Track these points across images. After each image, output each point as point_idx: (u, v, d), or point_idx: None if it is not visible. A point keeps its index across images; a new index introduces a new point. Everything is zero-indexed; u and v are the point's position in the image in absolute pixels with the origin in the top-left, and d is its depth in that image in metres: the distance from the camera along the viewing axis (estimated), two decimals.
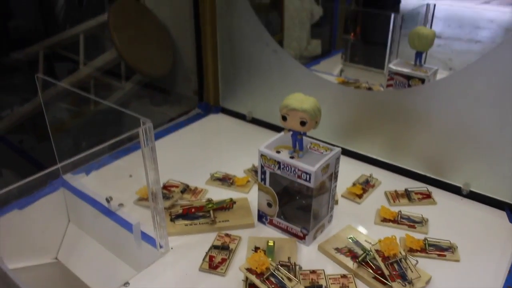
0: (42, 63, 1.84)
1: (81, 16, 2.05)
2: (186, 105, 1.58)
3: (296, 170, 0.79)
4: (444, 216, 0.95)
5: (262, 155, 0.83)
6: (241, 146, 1.23)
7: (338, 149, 0.83)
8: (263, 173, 0.85)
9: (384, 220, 0.93)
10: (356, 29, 1.98)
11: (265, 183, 0.86)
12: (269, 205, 0.88)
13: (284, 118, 0.78)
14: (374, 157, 1.12)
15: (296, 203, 0.87)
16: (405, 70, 1.18)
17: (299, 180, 0.79)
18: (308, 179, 0.78)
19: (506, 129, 0.90)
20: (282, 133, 0.85)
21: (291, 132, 0.81)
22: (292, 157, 0.80)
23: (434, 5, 1.42)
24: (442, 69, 1.27)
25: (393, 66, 1.21)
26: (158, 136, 1.25)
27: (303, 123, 0.76)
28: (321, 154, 0.81)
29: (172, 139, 1.28)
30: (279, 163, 0.81)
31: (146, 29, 1.65)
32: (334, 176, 0.85)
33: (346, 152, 1.14)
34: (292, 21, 1.80)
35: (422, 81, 1.16)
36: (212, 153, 1.21)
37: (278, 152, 0.82)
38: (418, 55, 1.20)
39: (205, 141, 1.27)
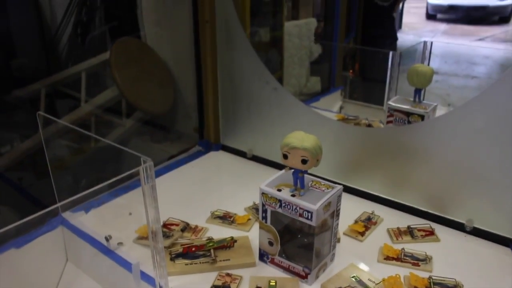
0: (44, 100, 1.85)
1: (83, 54, 2.09)
2: (187, 142, 1.58)
3: (298, 209, 0.78)
4: (448, 253, 0.93)
5: (263, 193, 0.82)
6: (241, 184, 1.22)
7: (339, 187, 0.83)
8: (264, 211, 0.84)
9: (387, 258, 0.91)
10: (354, 67, 2.01)
11: (266, 222, 0.85)
12: (271, 243, 0.86)
13: (285, 157, 0.78)
14: (376, 193, 1.11)
15: (297, 242, 0.86)
16: (405, 106, 1.19)
17: (300, 219, 0.79)
18: (309, 217, 0.77)
19: (507, 165, 0.90)
20: (283, 171, 0.85)
21: (292, 170, 0.80)
22: (293, 195, 0.80)
23: (431, 43, 1.44)
24: (441, 104, 1.28)
25: (393, 103, 1.22)
26: (158, 174, 1.24)
27: (304, 161, 0.76)
28: (322, 192, 0.81)
29: (172, 176, 1.27)
30: (280, 201, 0.80)
31: (147, 67, 1.67)
32: (335, 214, 0.85)
33: (348, 189, 1.13)
34: (291, 58, 1.83)
35: (422, 117, 1.17)
36: (213, 190, 1.20)
37: (279, 190, 0.82)
38: (417, 91, 1.22)
39: (205, 178, 1.27)
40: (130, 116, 1.75)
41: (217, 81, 1.32)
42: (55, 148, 1.67)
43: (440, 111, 1.37)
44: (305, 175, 0.81)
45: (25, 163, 1.78)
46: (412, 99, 1.23)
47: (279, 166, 1.12)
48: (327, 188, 0.82)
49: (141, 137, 1.82)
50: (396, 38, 1.97)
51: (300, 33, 1.88)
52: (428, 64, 1.42)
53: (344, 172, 1.15)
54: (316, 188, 0.82)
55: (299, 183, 0.81)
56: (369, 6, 1.90)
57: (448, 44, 2.12)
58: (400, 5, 1.96)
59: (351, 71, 2.04)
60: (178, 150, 1.48)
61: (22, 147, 1.77)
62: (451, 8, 2.19)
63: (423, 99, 1.23)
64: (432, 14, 2.18)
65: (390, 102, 1.22)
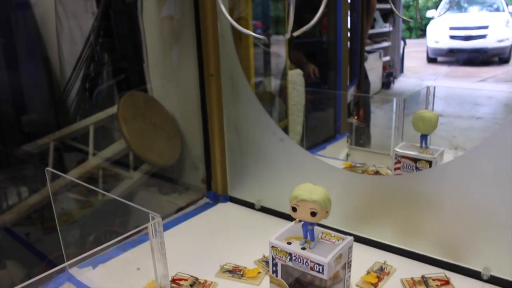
0: (52, 154, 1.87)
1: (91, 108, 2.13)
2: (195, 194, 1.58)
3: (309, 262, 0.77)
4: None
5: (273, 247, 0.81)
6: (250, 236, 1.20)
7: (350, 238, 0.82)
8: (275, 265, 0.82)
9: None
10: (359, 113, 2.03)
11: (276, 276, 0.83)
12: None
13: (294, 209, 0.77)
14: (387, 243, 1.09)
15: None
16: (412, 153, 1.19)
17: (311, 272, 0.77)
18: (321, 270, 0.75)
19: None
20: (292, 223, 0.84)
21: (301, 222, 0.80)
22: (303, 248, 0.78)
23: (434, 88, 1.45)
24: (448, 148, 1.28)
25: (399, 149, 1.22)
26: (167, 227, 1.23)
27: (313, 214, 0.75)
28: (333, 244, 0.80)
29: (181, 229, 1.26)
30: (290, 254, 0.79)
31: (154, 120, 1.69)
32: (347, 266, 0.83)
33: (358, 239, 1.11)
34: (296, 106, 1.85)
35: (430, 163, 1.16)
36: (222, 243, 1.18)
37: (289, 243, 0.80)
38: (423, 137, 1.22)
39: (214, 231, 1.25)
40: (137, 169, 1.76)
41: (224, 133, 1.34)
42: (63, 202, 1.68)
43: (448, 155, 1.37)
44: (315, 227, 0.80)
45: (32, 217, 1.78)
46: (418, 144, 1.22)
47: (287, 217, 1.12)
48: (338, 240, 0.81)
49: (149, 189, 1.82)
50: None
51: (303, 81, 1.91)
52: (433, 109, 1.43)
53: (354, 222, 1.13)
54: (327, 240, 0.81)
55: (309, 236, 0.80)
56: None
57: (451, 88, 2.15)
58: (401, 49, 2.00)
59: (356, 117, 2.06)
60: (186, 201, 1.48)
61: (29, 201, 1.78)
62: (451, 52, 2.22)
63: (429, 144, 1.23)
64: (433, 58, 2.21)
65: (396, 149, 1.22)
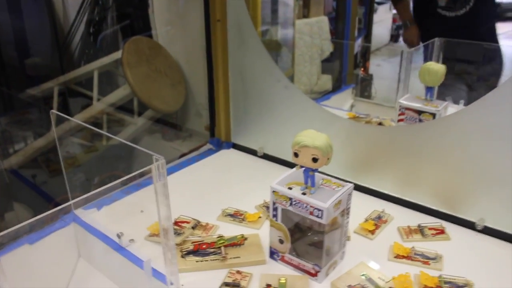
0: (57, 98, 1.88)
1: (95, 53, 2.11)
2: (198, 140, 1.59)
3: (308, 207, 0.78)
4: (459, 252, 0.93)
5: (274, 191, 0.83)
6: (252, 182, 1.23)
7: (350, 185, 0.83)
8: (275, 209, 0.84)
9: (398, 256, 0.91)
10: (366, 64, 2.00)
11: (276, 220, 0.85)
12: (281, 241, 0.87)
13: (296, 155, 0.78)
14: (387, 192, 1.11)
15: (308, 239, 0.86)
16: (416, 104, 1.19)
17: (311, 217, 0.79)
18: (320, 215, 0.77)
19: None
20: (294, 169, 0.85)
21: (303, 168, 0.81)
22: (304, 193, 0.80)
23: (444, 41, 1.43)
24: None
25: (404, 101, 1.21)
26: (170, 172, 1.25)
27: (315, 160, 0.77)
28: (333, 190, 0.81)
29: (183, 174, 1.28)
30: (291, 199, 0.81)
31: (158, 66, 1.68)
32: (346, 212, 0.85)
33: (358, 188, 1.13)
34: (302, 57, 1.83)
35: (433, 115, 1.16)
36: (224, 189, 1.21)
37: (290, 188, 0.82)
38: (429, 89, 1.21)
39: (216, 177, 1.28)
40: (141, 115, 1.77)
41: (228, 80, 1.33)
42: (68, 146, 1.70)
43: (452, 109, 1.37)
44: (316, 174, 0.81)
45: (38, 160, 1.80)
46: (423, 97, 1.22)
47: (289, 164, 1.13)
48: (338, 187, 0.82)
49: (153, 135, 1.84)
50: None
51: (311, 31, 1.88)
52: (440, 62, 1.42)
53: (355, 171, 1.15)
54: (327, 186, 0.82)
55: (309, 182, 0.81)
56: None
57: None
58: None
59: (362, 69, 2.04)
60: (189, 148, 1.49)
61: (35, 145, 1.80)
62: None
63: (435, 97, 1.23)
64: None
65: (401, 100, 1.22)
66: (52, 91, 1.88)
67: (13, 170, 1.80)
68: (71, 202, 0.94)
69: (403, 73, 1.39)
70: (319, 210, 0.77)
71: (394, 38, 2.34)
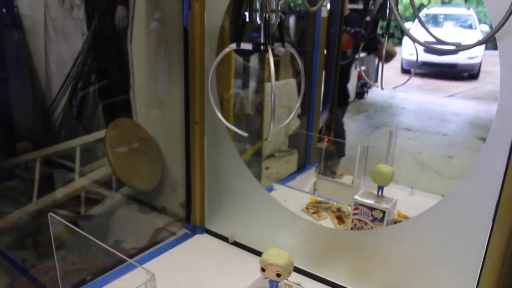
0: (39, 170, 1.96)
1: (76, 125, 2.22)
2: (172, 215, 1.71)
3: None
4: None
5: None
6: (223, 272, 1.33)
7: None
8: None
9: None
10: (330, 135, 2.15)
11: None
12: None
13: (263, 270, 0.93)
14: (340, 283, 1.26)
15: None
16: (369, 201, 1.34)
17: None
18: None
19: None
20: (261, 277, 1.00)
21: (268, 279, 0.95)
22: None
23: (396, 131, 1.61)
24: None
25: (359, 197, 1.37)
26: (150, 257, 1.37)
27: (278, 275, 0.91)
28: None
29: (161, 261, 1.38)
30: None
31: (138, 145, 1.81)
32: None
33: (316, 278, 1.28)
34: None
35: (383, 212, 1.32)
36: (198, 277, 1.30)
37: None
38: (380, 188, 1.37)
39: (191, 264, 1.38)
40: (118, 190, 1.88)
41: (204, 174, 1.47)
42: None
43: (404, 192, 1.56)
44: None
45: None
46: (376, 193, 1.38)
47: (258, 253, 1.31)
48: None
49: (129, 206, 1.94)
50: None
51: (280, 93, 2.03)
52: (393, 160, 1.61)
53: (313, 263, 1.30)
54: None
55: None
56: None
57: (421, 101, 2.28)
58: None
59: (326, 139, 2.19)
60: (165, 222, 1.62)
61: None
62: (424, 64, 2.32)
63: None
64: (407, 69, 2.30)
65: (356, 197, 1.37)
66: (34, 162, 1.96)
67: None
68: None
69: (361, 169, 1.58)
70: None
71: (359, 95, 2.43)
